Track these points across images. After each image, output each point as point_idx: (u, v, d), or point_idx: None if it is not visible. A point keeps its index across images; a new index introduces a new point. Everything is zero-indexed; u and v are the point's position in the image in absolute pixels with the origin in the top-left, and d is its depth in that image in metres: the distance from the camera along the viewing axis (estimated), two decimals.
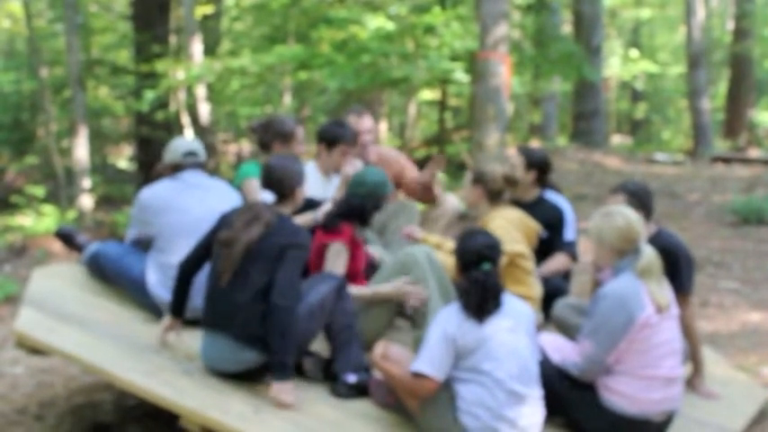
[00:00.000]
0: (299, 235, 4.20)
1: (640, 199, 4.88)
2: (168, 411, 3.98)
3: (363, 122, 5.93)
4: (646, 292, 4.12)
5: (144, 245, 5.07)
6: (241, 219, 4.19)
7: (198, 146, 5.21)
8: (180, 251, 4.58)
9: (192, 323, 4.56)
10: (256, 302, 4.08)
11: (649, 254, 4.19)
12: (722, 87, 26.34)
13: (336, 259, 4.77)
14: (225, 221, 4.27)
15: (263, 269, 4.10)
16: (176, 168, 5.08)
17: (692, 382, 5.00)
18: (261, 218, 4.17)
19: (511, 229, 5.10)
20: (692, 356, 5.02)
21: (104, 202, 15.41)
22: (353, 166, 5.37)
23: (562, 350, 4.30)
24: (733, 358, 6.04)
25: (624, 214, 4.27)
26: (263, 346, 4.08)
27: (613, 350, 4.10)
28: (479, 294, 3.94)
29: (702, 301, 7.57)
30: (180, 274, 4.40)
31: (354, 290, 4.71)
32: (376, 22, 12.15)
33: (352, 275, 4.85)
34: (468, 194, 5.32)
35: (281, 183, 4.34)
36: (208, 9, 16.70)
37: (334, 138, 5.61)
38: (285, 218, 4.26)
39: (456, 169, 14.72)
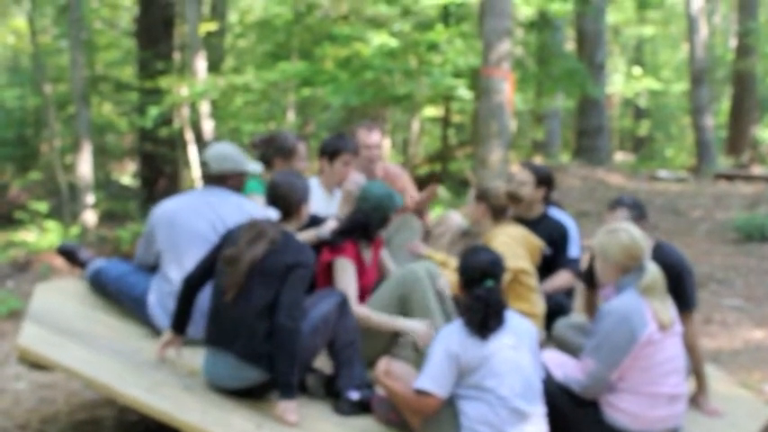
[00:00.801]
0: (303, 253, 4.18)
1: (640, 210, 4.94)
2: (170, 428, 3.97)
3: (372, 137, 5.94)
4: (649, 310, 4.11)
5: (149, 268, 5.05)
6: (245, 236, 4.17)
7: (212, 155, 4.95)
8: (184, 271, 4.57)
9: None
10: (260, 320, 4.07)
11: (653, 271, 4.19)
12: (725, 104, 26.34)
13: (343, 275, 4.77)
14: (230, 238, 4.25)
15: (267, 287, 4.09)
16: (220, 179, 4.94)
17: (696, 400, 4.99)
18: (265, 235, 4.15)
19: (514, 245, 5.11)
20: (696, 374, 5.00)
21: (108, 218, 15.42)
22: (354, 183, 5.37)
23: (565, 367, 4.29)
24: (736, 375, 6.02)
25: (629, 231, 4.28)
26: (266, 365, 4.07)
27: (616, 368, 4.10)
28: (482, 311, 3.94)
29: (705, 319, 7.55)
30: (183, 289, 4.38)
31: (366, 312, 4.71)
32: (379, 39, 12.18)
33: (359, 292, 4.85)
34: (472, 211, 5.33)
35: (286, 199, 4.32)
36: (211, 26, 16.74)
37: (335, 149, 5.62)
38: (290, 235, 4.25)
39: (459, 186, 14.72)
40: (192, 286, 4.38)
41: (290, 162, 5.56)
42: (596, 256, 4.40)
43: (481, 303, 3.96)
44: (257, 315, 4.07)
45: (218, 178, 4.95)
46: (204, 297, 4.41)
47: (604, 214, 5.18)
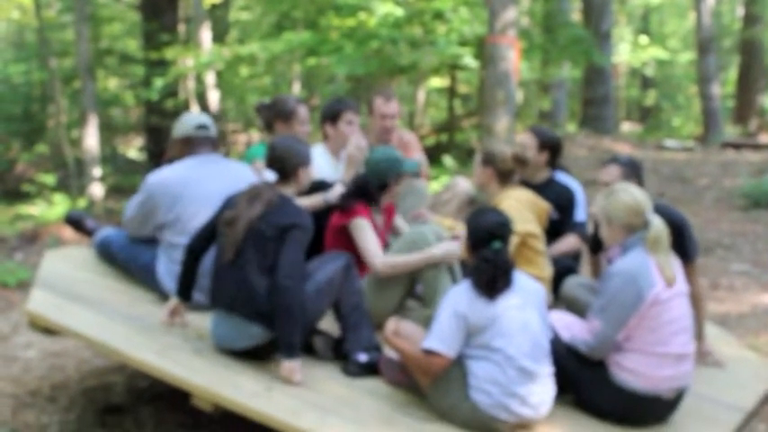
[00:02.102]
0: (300, 215, 4.18)
1: (633, 169, 4.99)
2: (179, 393, 4.00)
3: (390, 106, 5.86)
4: (655, 267, 4.11)
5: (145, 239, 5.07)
6: (243, 198, 4.20)
7: (208, 120, 5.12)
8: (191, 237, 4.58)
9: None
10: (259, 279, 4.08)
11: (658, 225, 4.18)
12: (732, 73, 26.24)
13: (363, 234, 4.77)
14: (230, 203, 4.27)
15: (264, 247, 4.10)
16: (188, 143, 4.99)
17: (698, 351, 5.00)
18: (262, 196, 4.17)
19: (522, 209, 5.09)
20: (696, 323, 4.98)
21: (115, 191, 15.46)
22: (357, 147, 5.36)
23: (572, 328, 4.30)
24: (743, 339, 6.04)
25: (628, 190, 4.27)
26: (268, 323, 4.09)
27: (623, 328, 4.10)
28: (490, 272, 3.94)
29: (713, 284, 7.56)
30: (187, 255, 4.40)
31: (393, 260, 4.70)
32: (384, 8, 12.13)
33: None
34: (479, 175, 5.30)
35: (283, 162, 4.30)
36: None
37: (336, 111, 5.61)
38: (287, 198, 4.25)
39: (465, 156, 14.71)
40: (194, 252, 4.40)
41: (291, 125, 5.51)
42: (600, 220, 4.38)
43: (489, 264, 3.96)
44: (256, 274, 4.08)
45: (212, 140, 5.05)
46: (209, 262, 4.44)
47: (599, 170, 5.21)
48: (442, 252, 4.66)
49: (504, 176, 5.24)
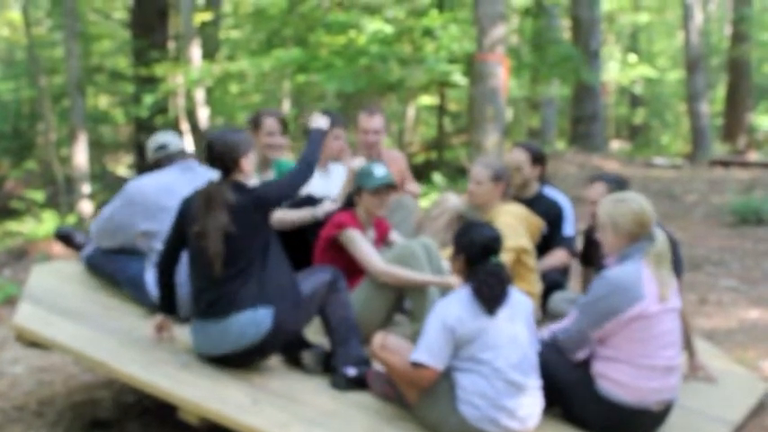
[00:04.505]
0: (262, 198, 4.21)
1: (619, 186, 5.01)
2: (166, 407, 3.98)
3: (372, 121, 5.89)
4: (649, 280, 4.10)
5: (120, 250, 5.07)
6: (200, 206, 4.14)
7: (168, 137, 5.19)
8: None
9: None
10: (251, 284, 4.11)
11: (662, 241, 4.18)
12: (721, 92, 26.34)
13: (356, 244, 4.78)
14: (187, 212, 4.22)
15: (246, 248, 4.10)
16: (157, 165, 5.11)
17: (689, 364, 5.01)
18: (218, 201, 4.10)
19: (516, 225, 5.09)
20: (686, 339, 4.99)
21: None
22: (360, 162, 5.37)
23: (552, 328, 4.31)
24: (732, 353, 6.03)
25: (637, 200, 4.24)
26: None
27: (597, 328, 4.08)
28: (494, 287, 3.94)
29: (701, 299, 7.56)
30: (159, 271, 4.38)
31: (406, 273, 4.68)
32: (374, 26, 12.18)
33: (356, 274, 4.85)
34: (488, 192, 5.22)
35: (223, 157, 4.22)
36: (206, 16, 16.73)
37: None
38: (240, 187, 4.20)
39: (455, 173, 14.73)
40: (166, 266, 4.37)
41: (258, 136, 5.47)
42: (603, 226, 4.31)
43: (494, 278, 3.95)
44: (249, 279, 4.11)
45: (177, 155, 5.15)
46: (184, 274, 4.45)
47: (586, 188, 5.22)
48: (440, 281, 4.66)
49: (506, 191, 5.28)
